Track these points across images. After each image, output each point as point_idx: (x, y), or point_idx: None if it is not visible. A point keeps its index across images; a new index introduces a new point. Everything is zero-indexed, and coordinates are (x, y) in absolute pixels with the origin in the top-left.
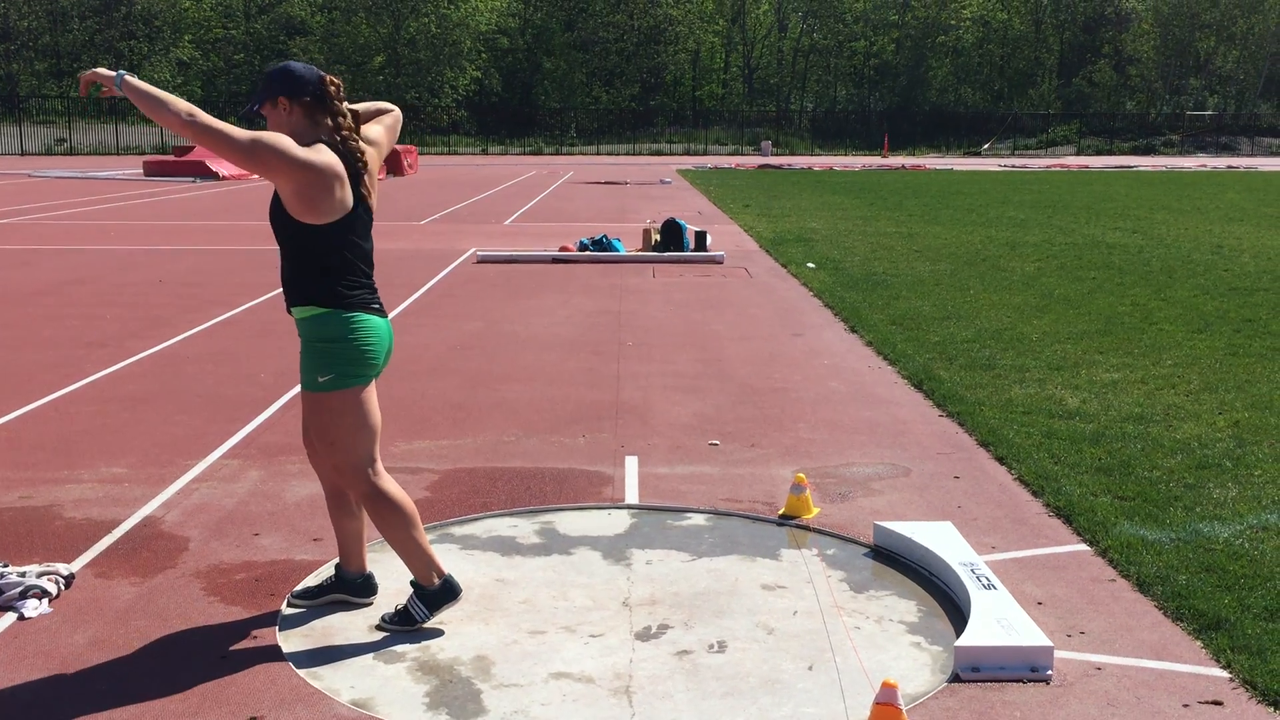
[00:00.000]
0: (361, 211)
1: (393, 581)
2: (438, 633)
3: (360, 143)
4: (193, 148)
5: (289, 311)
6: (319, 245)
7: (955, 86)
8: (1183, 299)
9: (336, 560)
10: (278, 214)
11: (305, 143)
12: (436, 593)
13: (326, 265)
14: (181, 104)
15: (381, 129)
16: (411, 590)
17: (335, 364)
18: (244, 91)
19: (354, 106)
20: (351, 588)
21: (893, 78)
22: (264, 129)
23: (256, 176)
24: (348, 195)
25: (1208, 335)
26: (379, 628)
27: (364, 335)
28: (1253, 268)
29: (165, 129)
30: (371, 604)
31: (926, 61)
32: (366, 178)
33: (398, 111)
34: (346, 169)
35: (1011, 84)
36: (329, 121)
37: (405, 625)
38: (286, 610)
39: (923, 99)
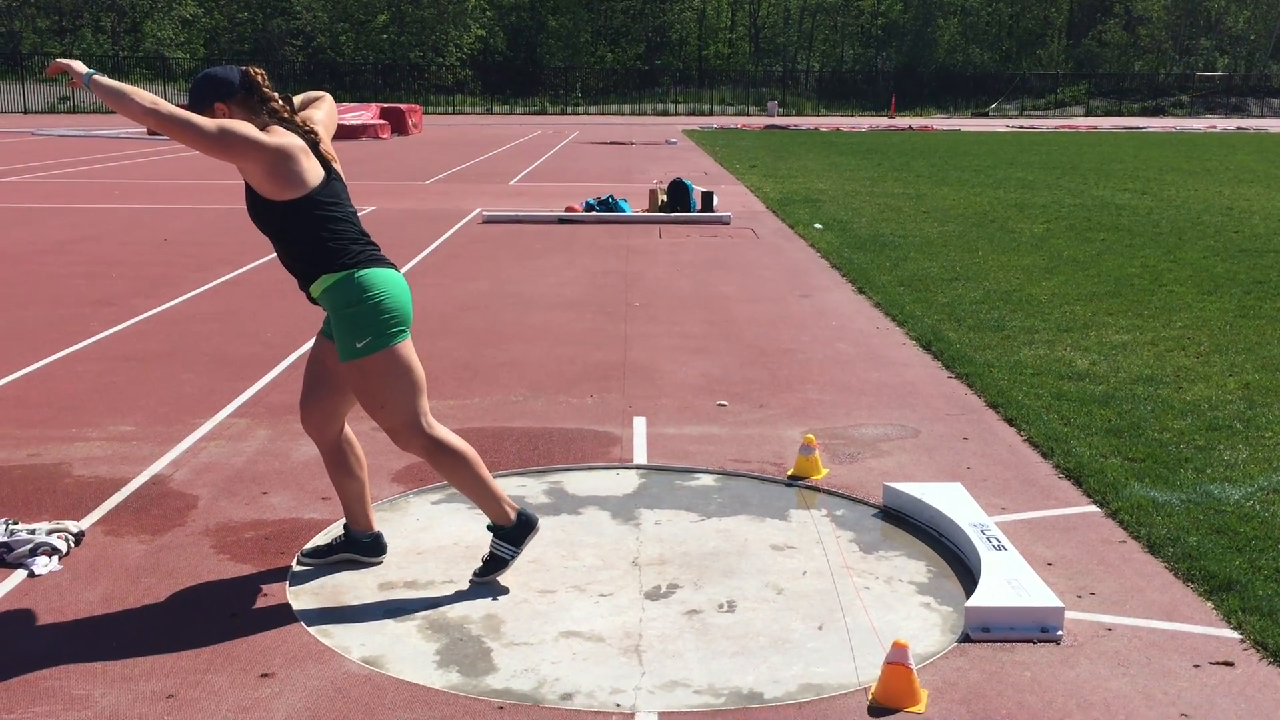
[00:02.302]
0: (333, 178)
1: (403, 540)
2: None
3: (302, 119)
4: None
5: (308, 296)
6: (306, 219)
7: (963, 46)
8: (1193, 260)
9: (345, 522)
10: (258, 207)
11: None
12: (515, 528)
13: (320, 235)
14: (144, 95)
15: (320, 112)
16: (491, 535)
17: (368, 326)
18: (247, 50)
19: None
20: (360, 547)
21: (900, 37)
22: None
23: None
24: (316, 165)
25: (1218, 297)
26: (474, 582)
27: (382, 289)
28: (1263, 229)
29: (132, 117)
30: (380, 563)
31: (934, 21)
32: (324, 147)
33: (329, 98)
34: (304, 141)
35: (1020, 44)
36: (265, 109)
37: (498, 569)
38: (296, 568)
39: (930, 59)
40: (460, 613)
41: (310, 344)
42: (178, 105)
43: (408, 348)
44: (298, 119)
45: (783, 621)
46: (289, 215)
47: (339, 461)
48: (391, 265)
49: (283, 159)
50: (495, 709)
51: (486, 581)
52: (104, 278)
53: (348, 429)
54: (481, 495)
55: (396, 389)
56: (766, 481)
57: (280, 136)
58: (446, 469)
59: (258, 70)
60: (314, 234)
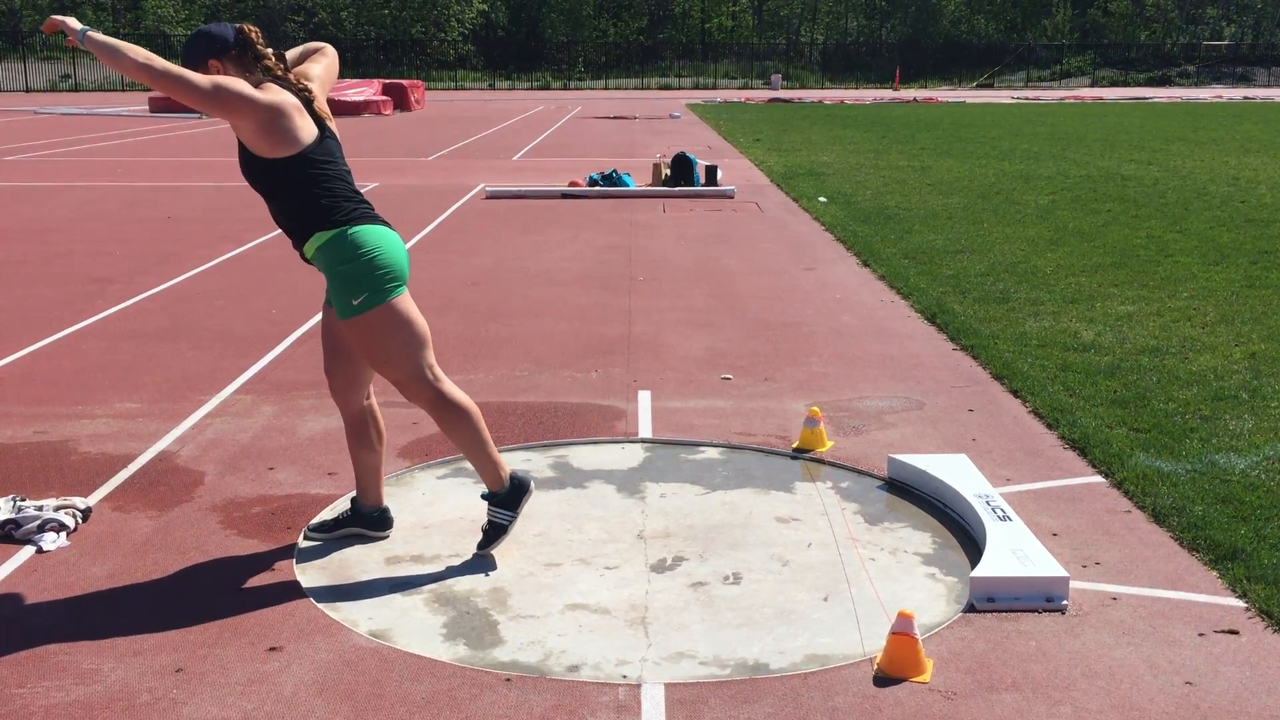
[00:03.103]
0: (326, 136)
1: (409, 514)
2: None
3: (296, 76)
4: None
5: (302, 256)
6: (299, 176)
7: (968, 17)
8: (1198, 231)
9: (352, 494)
10: (250, 165)
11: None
12: (510, 493)
13: (313, 193)
14: (139, 51)
15: (319, 67)
16: (487, 504)
17: (362, 283)
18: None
19: (285, 53)
20: (367, 521)
21: (904, 9)
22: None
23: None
24: (309, 123)
25: (1224, 267)
26: (479, 555)
27: (376, 245)
28: (1269, 199)
29: (125, 71)
30: (387, 537)
31: None
32: (318, 105)
33: (331, 49)
34: (298, 99)
35: (1025, 14)
36: (259, 67)
37: (498, 537)
38: (303, 543)
39: (935, 30)
40: (467, 586)
41: (319, 316)
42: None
43: (405, 301)
44: (291, 76)
45: (788, 593)
46: (282, 173)
47: (360, 432)
48: (385, 223)
49: (275, 116)
50: (503, 681)
51: (488, 553)
52: (108, 256)
53: (373, 402)
54: (480, 456)
55: (398, 342)
56: (771, 454)
57: (273, 94)
58: (450, 424)
59: (252, 28)
60: (307, 191)
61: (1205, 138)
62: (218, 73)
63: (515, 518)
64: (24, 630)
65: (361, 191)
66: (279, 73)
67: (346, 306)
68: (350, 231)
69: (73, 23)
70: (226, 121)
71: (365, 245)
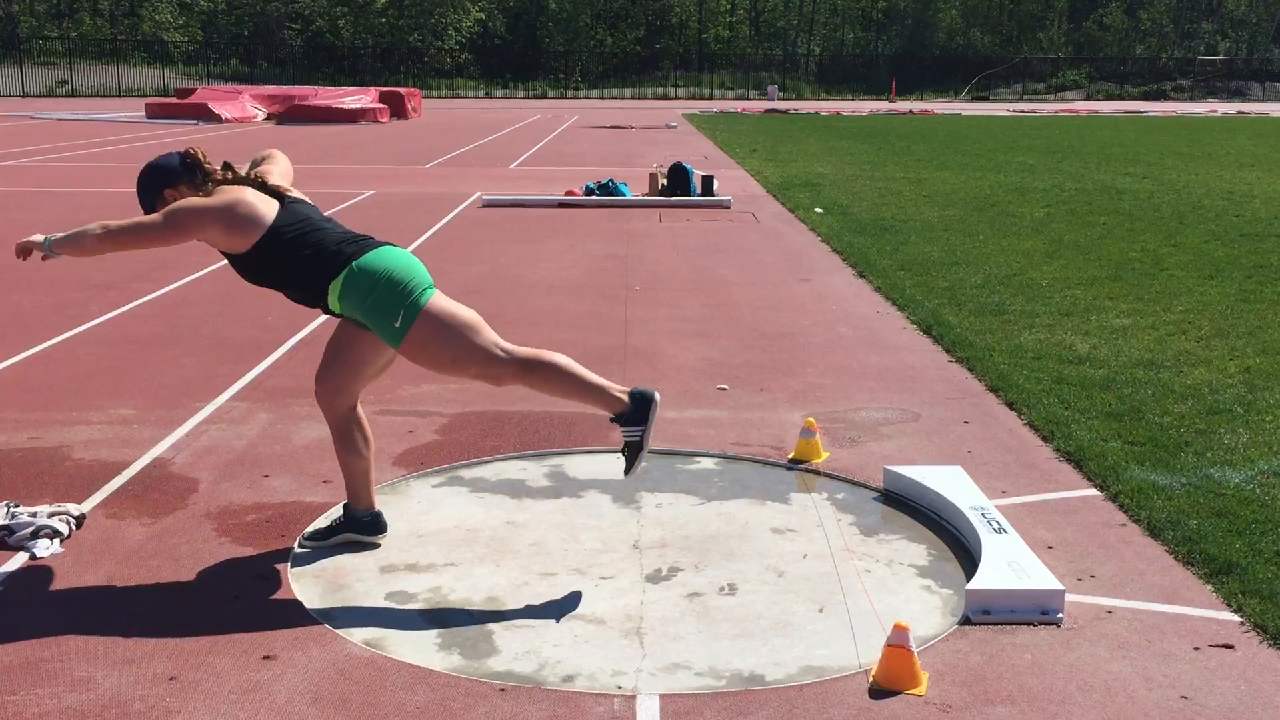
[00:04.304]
0: (291, 202)
1: (404, 523)
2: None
3: (249, 173)
4: (194, 90)
5: (335, 315)
6: (282, 250)
7: (964, 30)
8: (1193, 245)
9: (345, 501)
10: (241, 265)
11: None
12: (634, 409)
13: (307, 254)
14: (92, 227)
15: (274, 166)
16: (620, 426)
17: (395, 301)
18: (246, 34)
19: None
20: (360, 526)
21: (900, 21)
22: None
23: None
24: (266, 199)
25: (1219, 281)
26: (627, 476)
27: (386, 266)
28: (1264, 214)
29: (92, 252)
30: (380, 544)
31: (935, 4)
32: (274, 185)
33: (282, 155)
34: (249, 187)
35: (1021, 27)
36: (209, 182)
37: (637, 454)
38: (298, 551)
39: (931, 43)
40: (462, 595)
41: (316, 324)
42: (125, 224)
43: (441, 299)
44: (240, 174)
45: (784, 604)
46: (272, 256)
47: (346, 439)
48: (387, 244)
49: (229, 209)
50: (497, 691)
51: (634, 471)
52: (105, 261)
53: (359, 408)
54: (588, 395)
55: (455, 340)
56: (767, 465)
57: (222, 194)
58: (544, 385)
59: (194, 150)
60: (296, 256)
61: (1200, 152)
62: (173, 199)
63: (646, 430)
64: (16, 637)
65: (355, 231)
66: (228, 179)
67: (392, 333)
68: (356, 265)
69: (35, 238)
70: (199, 241)
71: (377, 270)
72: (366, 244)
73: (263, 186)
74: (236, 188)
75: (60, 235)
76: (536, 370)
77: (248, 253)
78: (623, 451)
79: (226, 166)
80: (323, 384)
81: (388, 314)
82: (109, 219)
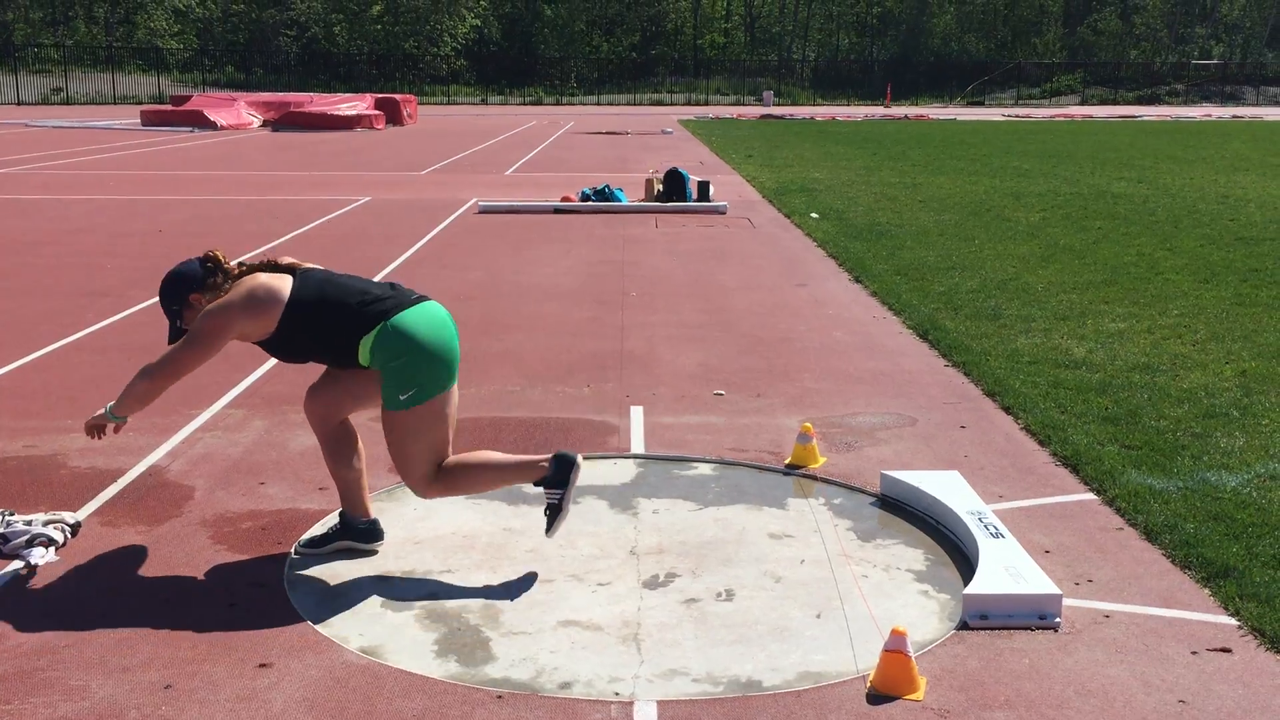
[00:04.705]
0: (304, 272)
1: (401, 530)
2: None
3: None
4: (189, 97)
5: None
6: (309, 315)
7: (959, 35)
8: (1189, 249)
9: (341, 509)
10: (274, 349)
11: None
12: (554, 474)
13: (337, 317)
14: (139, 381)
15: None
16: (542, 490)
17: (416, 376)
18: (242, 41)
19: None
20: (357, 533)
21: (895, 26)
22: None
23: (248, 127)
24: (283, 278)
25: (1214, 285)
26: (549, 536)
27: (424, 335)
28: (1259, 217)
29: (150, 397)
30: (377, 551)
31: (929, 9)
32: (284, 261)
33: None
34: (261, 272)
35: (1016, 32)
36: (229, 281)
37: (557, 516)
38: (294, 558)
39: (926, 48)
40: (458, 602)
41: None
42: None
43: (444, 400)
44: (252, 265)
45: (781, 610)
46: (291, 329)
47: (337, 451)
48: (424, 299)
49: (248, 298)
50: (494, 698)
51: (554, 531)
52: (99, 269)
53: (348, 420)
54: (503, 480)
55: (422, 448)
56: (764, 470)
57: (237, 288)
58: (459, 490)
59: (213, 252)
60: (321, 321)
61: (1195, 156)
62: (199, 304)
63: (565, 492)
64: (11, 646)
65: (387, 283)
66: (242, 272)
67: (394, 400)
68: (390, 325)
69: (99, 415)
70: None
71: (412, 335)
72: (400, 299)
73: (274, 266)
74: (249, 277)
75: (115, 403)
76: (450, 486)
77: (275, 333)
78: (545, 514)
79: (240, 263)
80: (314, 400)
81: (404, 384)
82: (145, 364)
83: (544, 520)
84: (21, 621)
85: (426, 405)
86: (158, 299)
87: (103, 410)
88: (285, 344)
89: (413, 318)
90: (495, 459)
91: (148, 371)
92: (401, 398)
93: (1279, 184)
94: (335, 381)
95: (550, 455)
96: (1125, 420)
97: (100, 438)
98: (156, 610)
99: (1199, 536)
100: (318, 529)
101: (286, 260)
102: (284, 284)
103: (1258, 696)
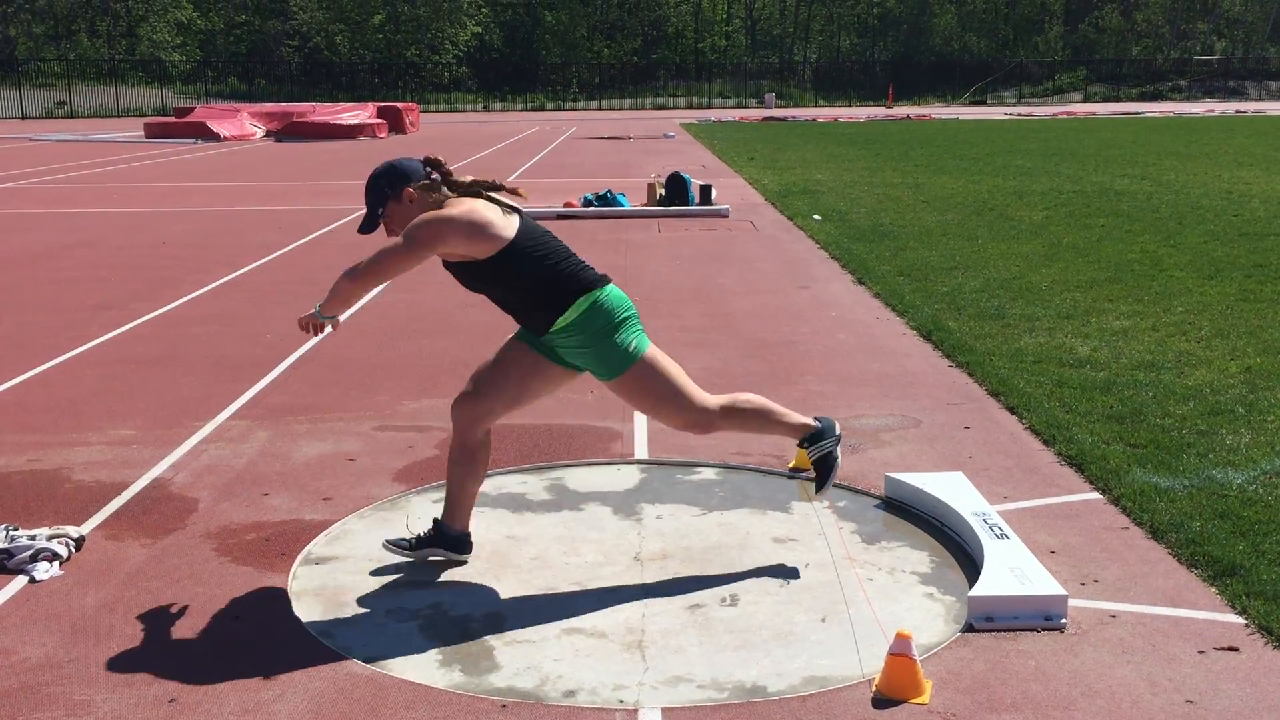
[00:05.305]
0: (526, 219)
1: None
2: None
3: (473, 179)
4: (192, 109)
5: (546, 338)
6: (529, 263)
7: (960, 34)
8: (1193, 245)
9: (439, 517)
10: (470, 275)
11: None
12: (819, 430)
13: (550, 267)
14: (342, 279)
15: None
16: (805, 448)
17: (627, 336)
18: (244, 52)
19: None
20: (452, 543)
21: (896, 26)
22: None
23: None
24: (509, 215)
25: (1218, 281)
26: (817, 498)
27: (625, 305)
28: (1263, 213)
29: (355, 296)
30: (465, 561)
31: (930, 9)
32: (502, 196)
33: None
34: (485, 194)
35: (1017, 30)
36: (445, 184)
37: (827, 473)
38: (298, 570)
39: (927, 48)
40: (462, 611)
41: (313, 342)
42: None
43: (655, 350)
44: (468, 180)
45: (786, 614)
46: (502, 267)
47: (470, 459)
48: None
49: (471, 220)
50: (498, 708)
51: (825, 492)
52: (102, 282)
53: (490, 433)
54: (780, 427)
55: (673, 379)
56: (768, 474)
57: (457, 205)
58: (742, 427)
59: (435, 156)
60: (536, 273)
61: (1198, 152)
62: (408, 201)
63: (835, 447)
64: (15, 661)
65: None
66: (465, 189)
67: (618, 364)
68: (602, 295)
69: (310, 314)
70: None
71: (616, 309)
72: (604, 276)
73: (497, 195)
74: (473, 198)
75: (323, 302)
76: (735, 417)
77: (483, 262)
78: (814, 478)
79: (463, 179)
80: (475, 405)
81: (622, 344)
82: (356, 265)
83: (817, 478)
84: (25, 636)
85: (647, 353)
86: (364, 188)
87: (313, 310)
88: (486, 276)
89: (614, 292)
90: (770, 406)
91: (354, 271)
92: (629, 349)
93: None
94: (504, 389)
95: (815, 419)
96: (1130, 419)
97: (314, 334)
98: (160, 624)
99: (1205, 535)
100: (406, 532)
101: (505, 194)
102: (510, 223)
103: (1266, 695)
